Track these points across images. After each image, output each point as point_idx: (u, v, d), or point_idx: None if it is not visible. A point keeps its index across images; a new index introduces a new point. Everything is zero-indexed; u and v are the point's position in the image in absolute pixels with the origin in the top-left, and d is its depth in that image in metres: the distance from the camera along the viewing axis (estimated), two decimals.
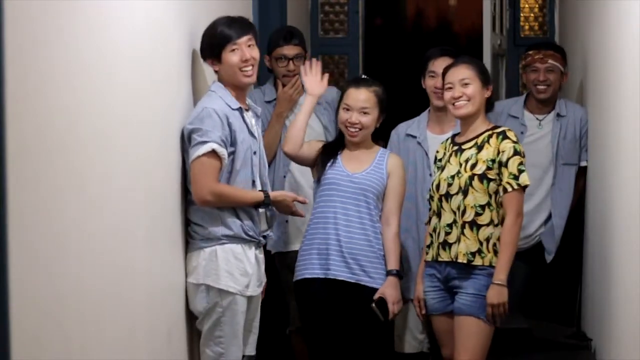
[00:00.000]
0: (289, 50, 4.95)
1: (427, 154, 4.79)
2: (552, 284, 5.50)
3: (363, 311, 4.26)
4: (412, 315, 4.80)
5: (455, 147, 4.20)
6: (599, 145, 4.90)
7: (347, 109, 4.30)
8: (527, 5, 7.09)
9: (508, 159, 4.04)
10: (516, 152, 4.05)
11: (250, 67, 3.83)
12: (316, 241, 4.29)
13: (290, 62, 4.94)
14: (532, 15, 7.09)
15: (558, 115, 5.23)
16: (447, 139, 4.32)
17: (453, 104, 4.16)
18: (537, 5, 7.08)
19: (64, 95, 2.50)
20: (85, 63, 2.65)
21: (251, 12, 5.01)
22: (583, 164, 5.21)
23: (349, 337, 4.31)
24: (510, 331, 4.98)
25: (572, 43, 6.03)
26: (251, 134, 3.89)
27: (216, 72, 3.88)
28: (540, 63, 5.24)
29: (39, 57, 2.33)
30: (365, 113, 4.29)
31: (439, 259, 4.14)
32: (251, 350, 4.01)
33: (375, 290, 4.26)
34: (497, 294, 4.00)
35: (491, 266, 4.06)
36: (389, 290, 4.25)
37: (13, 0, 2.15)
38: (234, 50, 3.80)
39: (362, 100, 4.28)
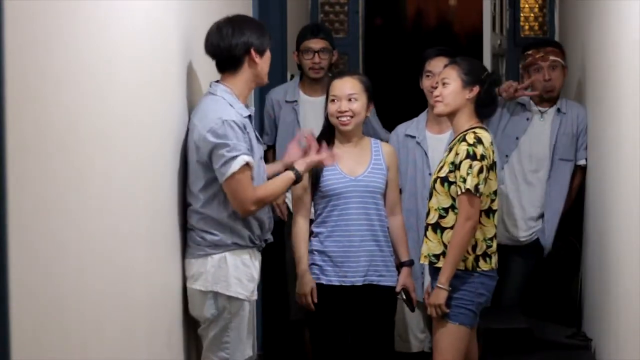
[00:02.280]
0: (315, 43, 5.17)
1: (426, 154, 4.80)
2: (550, 281, 5.51)
3: (373, 310, 4.29)
4: (413, 314, 4.81)
5: None
6: (598, 144, 4.90)
7: (335, 100, 4.31)
8: (527, 5, 7.08)
9: (460, 162, 4.01)
10: (468, 155, 3.99)
11: None
12: (329, 249, 4.29)
13: (316, 54, 5.12)
14: (532, 15, 7.09)
15: (559, 110, 5.25)
16: None
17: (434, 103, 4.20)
18: (537, 5, 7.08)
19: (64, 95, 2.49)
20: (85, 63, 2.65)
21: (251, 12, 5.01)
22: (581, 162, 5.23)
23: (351, 336, 4.33)
24: (510, 331, 4.98)
25: (572, 43, 6.03)
26: (258, 139, 3.88)
27: (238, 68, 3.77)
28: (543, 61, 5.24)
29: (39, 57, 2.33)
30: (353, 100, 4.29)
31: None
32: (253, 352, 4.01)
33: (386, 287, 4.31)
34: (434, 296, 4.03)
35: (457, 269, 4.06)
36: (408, 280, 4.39)
37: (13, 0, 2.15)
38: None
39: (348, 87, 4.30)
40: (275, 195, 3.87)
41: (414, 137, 4.85)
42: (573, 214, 5.33)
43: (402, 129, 4.94)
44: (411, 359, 4.95)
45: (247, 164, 3.64)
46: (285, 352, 5.33)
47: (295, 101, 5.20)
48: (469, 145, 4.01)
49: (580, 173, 5.27)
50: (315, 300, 4.26)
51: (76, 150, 2.58)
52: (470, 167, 3.98)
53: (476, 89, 4.13)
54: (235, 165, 3.62)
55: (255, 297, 3.85)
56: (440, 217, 4.05)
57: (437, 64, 4.71)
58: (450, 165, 4.03)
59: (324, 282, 4.30)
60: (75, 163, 2.57)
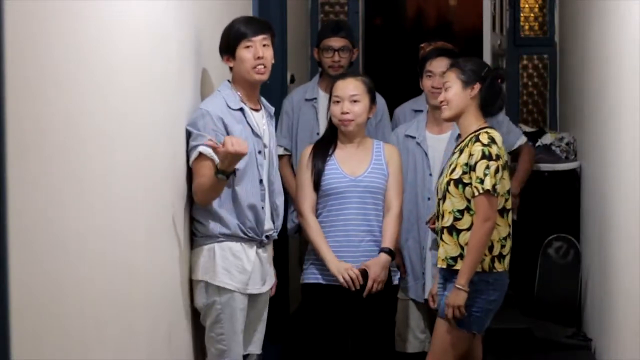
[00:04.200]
0: (336, 42, 5.13)
1: (426, 154, 4.79)
2: (550, 280, 5.51)
3: (373, 310, 4.29)
4: (413, 314, 4.81)
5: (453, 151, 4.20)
6: (598, 145, 4.91)
7: (338, 101, 4.32)
8: (527, 5, 7.09)
9: (476, 163, 3.96)
10: (484, 156, 3.95)
11: (262, 66, 3.87)
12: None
13: (336, 53, 5.11)
14: (532, 15, 7.10)
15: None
16: None
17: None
18: (537, 5, 7.09)
19: (64, 95, 2.50)
20: (85, 63, 2.65)
21: (251, 12, 5.00)
22: None
23: (351, 336, 4.34)
24: (510, 331, 4.99)
25: (572, 43, 6.05)
26: (255, 133, 3.89)
27: (231, 69, 3.91)
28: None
29: (39, 57, 2.33)
30: (355, 101, 4.30)
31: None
32: (256, 349, 4.01)
33: (386, 286, 4.30)
34: (453, 297, 3.97)
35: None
36: (374, 266, 4.27)
37: (13, 0, 2.15)
38: (248, 47, 3.84)
39: (350, 89, 4.32)
40: (201, 188, 3.75)
41: (414, 137, 4.85)
42: (571, 214, 5.34)
43: (402, 129, 4.94)
44: (411, 359, 4.95)
45: (202, 154, 3.73)
46: (285, 346, 5.33)
47: (315, 99, 5.20)
48: (484, 145, 3.97)
49: None
50: (361, 279, 4.22)
51: (76, 150, 2.58)
52: (487, 167, 3.94)
53: (477, 87, 4.09)
54: (193, 156, 3.76)
55: (251, 290, 3.86)
56: (456, 219, 4.02)
57: (438, 64, 4.73)
58: (464, 167, 4.00)
59: (324, 282, 4.30)
60: (75, 163, 2.58)
